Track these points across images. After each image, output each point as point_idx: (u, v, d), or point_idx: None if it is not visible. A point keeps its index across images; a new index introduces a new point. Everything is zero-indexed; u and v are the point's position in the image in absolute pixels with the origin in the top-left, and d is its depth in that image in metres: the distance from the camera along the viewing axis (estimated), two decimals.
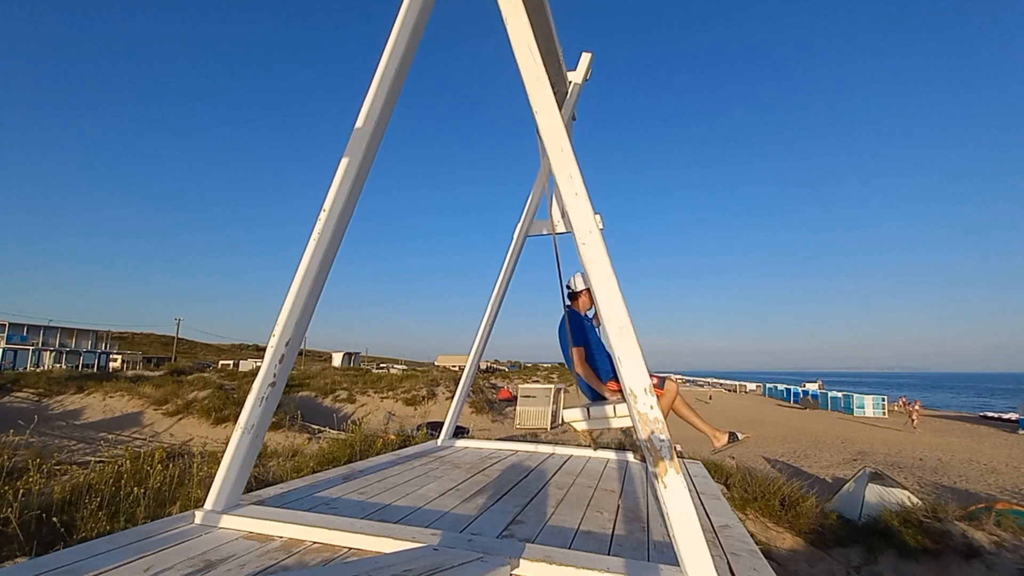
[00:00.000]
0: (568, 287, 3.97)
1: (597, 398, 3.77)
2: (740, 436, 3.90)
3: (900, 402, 47.09)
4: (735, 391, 75.45)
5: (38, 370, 33.43)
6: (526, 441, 4.68)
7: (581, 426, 3.00)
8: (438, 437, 4.94)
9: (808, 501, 8.04)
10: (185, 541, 2.01)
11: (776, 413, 41.42)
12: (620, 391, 3.67)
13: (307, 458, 6.95)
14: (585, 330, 3.76)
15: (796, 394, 54.68)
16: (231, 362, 55.77)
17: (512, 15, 2.33)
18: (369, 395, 29.66)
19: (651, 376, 3.73)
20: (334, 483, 3.10)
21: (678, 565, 1.69)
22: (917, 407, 35.54)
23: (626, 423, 2.91)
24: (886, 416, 39.25)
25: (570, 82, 4.70)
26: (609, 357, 3.93)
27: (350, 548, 2.03)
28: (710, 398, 54.91)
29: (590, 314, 4.19)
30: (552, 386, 28.52)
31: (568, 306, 3.97)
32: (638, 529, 2.47)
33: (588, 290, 3.96)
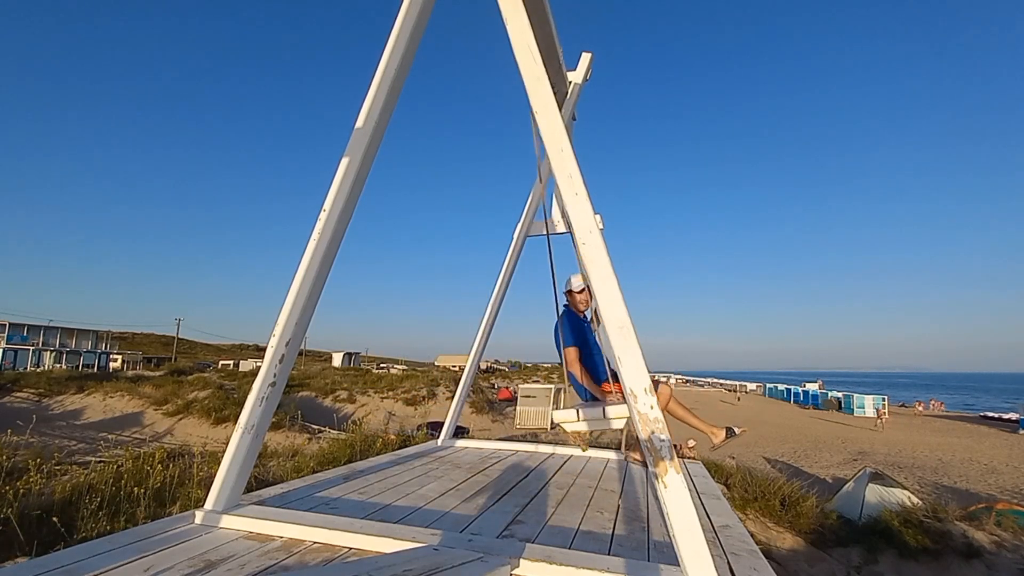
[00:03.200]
0: (566, 286, 3.93)
1: (592, 399, 3.70)
2: (737, 431, 3.79)
3: (932, 403, 48.07)
4: (735, 391, 75.41)
5: (38, 370, 33.37)
6: (526, 441, 4.68)
7: (572, 427, 2.97)
8: (438, 437, 4.94)
9: (808, 501, 8.03)
10: (185, 541, 2.02)
11: (778, 414, 41.36)
12: (614, 392, 3.61)
13: (307, 458, 6.94)
14: (582, 331, 3.67)
15: (796, 394, 54.51)
16: (231, 362, 55.70)
17: (512, 15, 2.32)
18: (369, 395, 29.62)
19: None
20: (334, 483, 3.10)
21: (678, 565, 1.68)
22: (941, 407, 35.78)
23: (619, 424, 2.90)
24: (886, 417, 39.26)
25: (570, 82, 4.70)
26: (605, 358, 3.90)
27: (350, 548, 2.03)
28: (738, 399, 54.56)
29: (589, 314, 4.14)
30: (552, 386, 28.47)
31: (565, 305, 3.90)
32: (638, 529, 2.47)
33: (587, 289, 3.91)
